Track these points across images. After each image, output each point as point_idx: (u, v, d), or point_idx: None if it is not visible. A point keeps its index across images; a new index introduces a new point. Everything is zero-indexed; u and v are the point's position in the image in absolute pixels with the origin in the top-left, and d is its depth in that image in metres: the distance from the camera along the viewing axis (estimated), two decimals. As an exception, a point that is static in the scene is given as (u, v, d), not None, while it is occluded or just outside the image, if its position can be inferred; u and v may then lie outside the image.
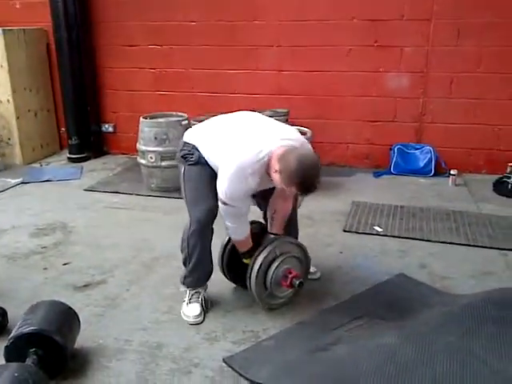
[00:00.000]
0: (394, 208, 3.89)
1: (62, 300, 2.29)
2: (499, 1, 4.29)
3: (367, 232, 3.48)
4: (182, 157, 2.47)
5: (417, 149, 4.77)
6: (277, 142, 2.19)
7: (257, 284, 2.43)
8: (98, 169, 5.08)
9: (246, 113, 2.51)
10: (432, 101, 4.69)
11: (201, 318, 2.47)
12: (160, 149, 4.23)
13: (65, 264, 3.06)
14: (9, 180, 4.64)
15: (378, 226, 3.55)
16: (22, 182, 4.59)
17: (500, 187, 4.22)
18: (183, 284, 2.57)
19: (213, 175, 2.34)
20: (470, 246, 3.25)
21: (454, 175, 4.43)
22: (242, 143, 2.24)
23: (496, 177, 4.33)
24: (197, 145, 2.42)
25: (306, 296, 2.63)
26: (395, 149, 4.78)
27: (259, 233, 2.58)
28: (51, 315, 2.10)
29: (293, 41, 4.80)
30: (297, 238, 2.73)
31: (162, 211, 3.90)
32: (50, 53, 5.41)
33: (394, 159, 4.78)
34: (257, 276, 2.41)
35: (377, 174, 4.76)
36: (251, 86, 5.01)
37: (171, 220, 3.60)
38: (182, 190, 2.51)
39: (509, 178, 4.20)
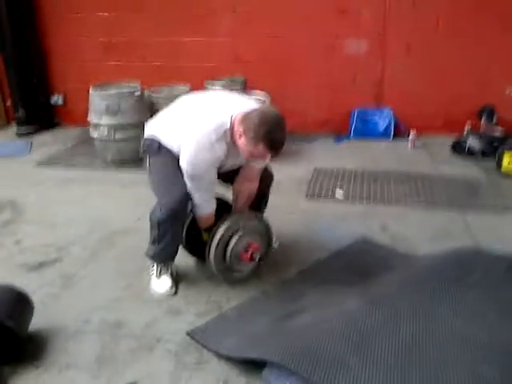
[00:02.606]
0: (355, 173, 3.88)
1: (16, 282, 2.17)
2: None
3: (329, 197, 3.46)
4: (144, 152, 2.41)
5: (376, 113, 4.76)
6: (237, 110, 2.14)
7: (216, 257, 2.35)
8: (48, 143, 4.85)
9: (202, 93, 2.46)
10: (390, 65, 4.66)
11: (173, 290, 2.40)
12: (113, 121, 4.05)
13: (16, 243, 2.90)
14: (-49, 157, 4.37)
15: (340, 188, 3.53)
16: (-34, 159, 4.34)
17: (458, 148, 4.27)
18: (151, 260, 2.47)
19: (178, 162, 2.24)
20: (429, 207, 3.29)
21: (413, 138, 4.46)
22: (202, 118, 2.17)
23: (454, 138, 4.37)
24: (157, 136, 2.34)
25: (269, 265, 2.58)
26: (355, 114, 4.76)
27: (223, 209, 2.49)
28: (0, 300, 1.98)
29: (249, 6, 4.64)
30: (264, 211, 2.68)
31: (118, 185, 3.76)
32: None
33: (354, 124, 4.76)
34: (216, 249, 2.33)
35: (337, 140, 4.74)
36: (207, 54, 4.85)
37: (128, 193, 3.48)
38: (151, 182, 2.40)
39: (466, 139, 4.24)
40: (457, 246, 2.56)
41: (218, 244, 2.33)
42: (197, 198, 2.28)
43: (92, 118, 4.15)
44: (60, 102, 5.29)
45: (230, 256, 2.37)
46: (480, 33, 4.39)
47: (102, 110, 4.06)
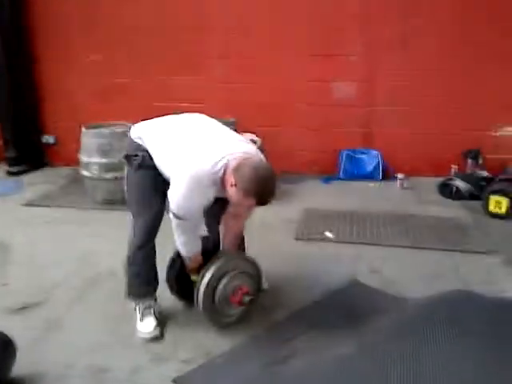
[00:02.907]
0: (344, 213, 3.90)
1: (-1, 325, 2.12)
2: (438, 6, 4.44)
3: (319, 239, 3.46)
4: (126, 156, 2.34)
5: (364, 153, 4.83)
6: (232, 153, 2.10)
7: (204, 300, 2.31)
8: (38, 182, 4.83)
9: (198, 116, 2.44)
10: (377, 107, 4.77)
11: (158, 332, 2.36)
12: (104, 160, 4.06)
13: (1, 285, 2.85)
14: None
15: (329, 232, 3.54)
16: (-45, 198, 4.30)
17: (444, 190, 4.32)
18: (129, 296, 2.45)
19: (158, 179, 2.25)
20: (418, 248, 3.29)
21: (401, 179, 4.51)
22: (196, 153, 2.13)
23: (441, 179, 4.43)
24: (146, 146, 2.29)
25: (258, 308, 2.55)
26: (343, 154, 4.82)
27: (211, 250, 2.48)
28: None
29: (240, 49, 4.77)
30: (244, 250, 2.67)
31: (106, 225, 3.73)
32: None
33: (343, 165, 4.82)
34: (205, 291, 2.30)
35: (326, 180, 4.78)
36: (197, 95, 4.91)
37: (116, 233, 3.39)
38: (125, 192, 2.41)
39: (453, 180, 4.30)
40: (447, 287, 2.54)
41: (206, 286, 2.30)
42: (182, 239, 2.26)
43: (83, 156, 4.16)
44: (51, 141, 5.31)
45: (219, 299, 2.33)
46: (464, 76, 4.52)
47: (93, 149, 4.08)
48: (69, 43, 5.03)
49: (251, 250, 2.88)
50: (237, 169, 2.04)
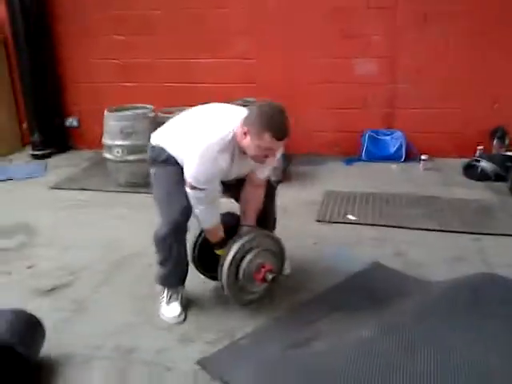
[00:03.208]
0: (367, 195, 3.87)
1: (28, 306, 2.18)
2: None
3: (341, 221, 3.45)
4: (150, 160, 2.44)
5: (387, 135, 4.75)
6: (238, 120, 2.17)
7: (229, 276, 2.32)
8: (62, 165, 4.90)
9: (208, 105, 2.46)
10: (401, 87, 4.67)
11: (182, 318, 2.40)
12: (127, 142, 4.10)
13: (29, 267, 2.93)
14: (-32, 179, 4.44)
15: (351, 215, 3.52)
16: (-18, 182, 4.40)
17: (470, 171, 4.25)
18: (161, 284, 2.48)
19: (183, 173, 2.27)
20: (442, 231, 3.25)
21: (424, 160, 4.44)
22: (204, 131, 2.21)
23: (465, 160, 4.35)
24: (164, 146, 2.37)
25: (281, 290, 2.57)
26: (366, 135, 4.76)
27: (234, 225, 2.49)
28: (12, 325, 1.98)
29: (260, 29, 4.70)
30: (273, 231, 2.67)
31: (130, 207, 3.78)
32: (7, 47, 5.16)
33: (365, 146, 4.76)
34: (229, 267, 2.31)
35: (348, 162, 4.74)
36: (219, 76, 4.89)
37: (140, 216, 3.49)
38: (154, 193, 2.44)
39: (478, 161, 4.22)
40: (471, 270, 2.53)
41: (230, 263, 2.31)
42: (199, 210, 2.28)
43: (106, 139, 4.20)
44: (75, 124, 5.35)
45: (243, 276, 2.34)
46: (491, 54, 4.40)
47: (116, 131, 4.11)
48: (90, 24, 5.01)
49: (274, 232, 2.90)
50: (245, 118, 2.12)
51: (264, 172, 2.41)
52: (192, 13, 4.78)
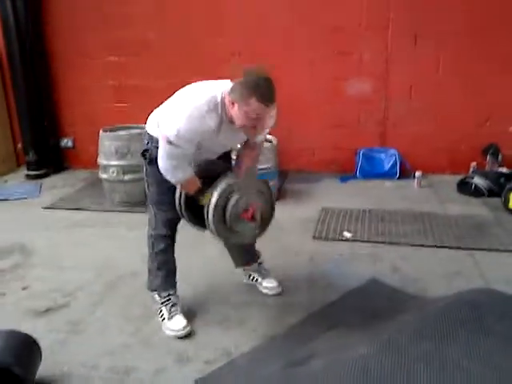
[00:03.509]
0: (363, 212, 3.88)
1: (23, 327, 2.17)
2: (452, 8, 4.38)
3: (337, 238, 3.45)
4: (142, 153, 2.39)
5: (381, 152, 4.80)
6: (227, 87, 2.15)
7: (215, 217, 2.22)
8: (58, 185, 4.90)
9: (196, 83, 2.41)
10: (394, 105, 4.74)
11: (189, 328, 2.39)
12: (122, 162, 4.11)
13: (24, 288, 2.90)
14: (-38, 200, 4.42)
15: (348, 232, 3.53)
16: (-23, 203, 4.39)
17: (464, 187, 4.28)
18: (153, 290, 2.52)
19: None
20: (438, 247, 3.27)
21: (418, 177, 4.48)
22: (192, 94, 2.22)
23: (459, 177, 4.39)
24: (155, 135, 2.29)
25: (278, 308, 2.57)
26: (360, 153, 4.80)
27: (215, 175, 2.35)
28: (8, 345, 1.96)
29: (254, 50, 4.77)
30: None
31: (125, 227, 3.77)
32: (2, 67, 5.20)
33: (360, 163, 4.79)
34: (215, 211, 2.21)
35: (343, 179, 4.76)
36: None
37: (135, 235, 3.48)
38: (146, 188, 2.48)
39: (472, 177, 4.26)
40: (468, 286, 2.53)
41: (216, 204, 2.21)
42: (170, 165, 2.19)
43: (101, 159, 4.21)
44: (70, 144, 5.38)
45: (230, 217, 2.24)
46: (481, 71, 4.47)
47: (111, 151, 4.12)
48: (85, 45, 5.07)
49: (268, 249, 2.91)
50: (231, 87, 2.10)
51: (257, 138, 2.42)
52: (186, 35, 4.85)
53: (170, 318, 2.42)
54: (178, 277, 2.55)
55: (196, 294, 2.73)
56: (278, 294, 2.72)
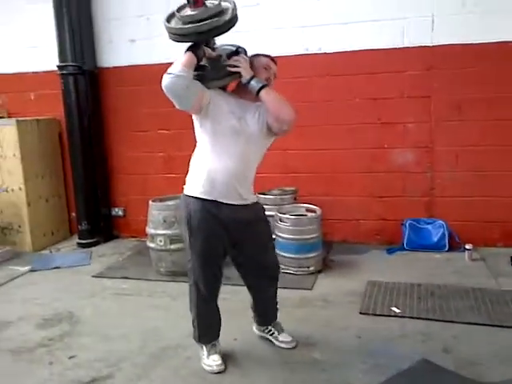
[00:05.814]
0: (411, 286, 3.75)
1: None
2: (494, 77, 4.41)
3: (385, 314, 3.34)
4: (184, 219, 2.66)
5: (429, 223, 4.70)
6: None
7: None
8: (107, 254, 5.04)
9: None
10: (439, 175, 4.69)
11: (223, 366, 2.67)
12: (169, 232, 4.20)
13: (71, 357, 2.93)
14: (17, 268, 4.60)
15: (396, 307, 3.41)
16: (31, 270, 4.55)
17: (519, 261, 4.10)
18: (198, 342, 2.77)
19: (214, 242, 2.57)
20: (493, 326, 3.09)
21: (469, 250, 4.32)
22: None
23: (513, 250, 4.22)
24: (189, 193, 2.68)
25: (324, 387, 2.46)
26: (407, 224, 4.72)
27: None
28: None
29: (298, 121, 4.87)
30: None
31: (170, 296, 3.80)
32: (62, 141, 5.56)
33: (407, 235, 4.69)
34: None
35: (390, 251, 4.66)
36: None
37: (179, 306, 3.49)
38: (188, 257, 2.67)
39: (527, 251, 4.08)
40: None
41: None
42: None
43: (150, 228, 4.33)
44: (120, 213, 5.57)
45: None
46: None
47: (159, 220, 4.24)
48: (139, 120, 5.36)
49: (314, 323, 2.85)
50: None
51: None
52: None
53: (207, 356, 2.71)
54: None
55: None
56: (293, 348, 2.86)
